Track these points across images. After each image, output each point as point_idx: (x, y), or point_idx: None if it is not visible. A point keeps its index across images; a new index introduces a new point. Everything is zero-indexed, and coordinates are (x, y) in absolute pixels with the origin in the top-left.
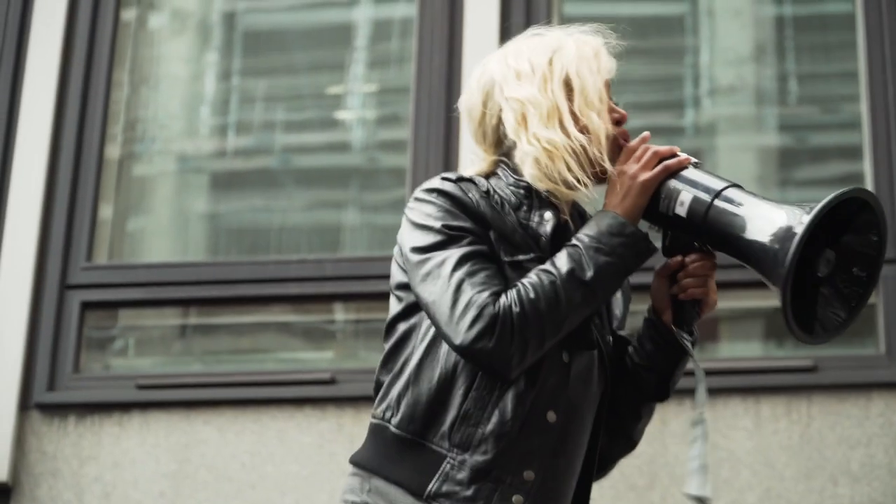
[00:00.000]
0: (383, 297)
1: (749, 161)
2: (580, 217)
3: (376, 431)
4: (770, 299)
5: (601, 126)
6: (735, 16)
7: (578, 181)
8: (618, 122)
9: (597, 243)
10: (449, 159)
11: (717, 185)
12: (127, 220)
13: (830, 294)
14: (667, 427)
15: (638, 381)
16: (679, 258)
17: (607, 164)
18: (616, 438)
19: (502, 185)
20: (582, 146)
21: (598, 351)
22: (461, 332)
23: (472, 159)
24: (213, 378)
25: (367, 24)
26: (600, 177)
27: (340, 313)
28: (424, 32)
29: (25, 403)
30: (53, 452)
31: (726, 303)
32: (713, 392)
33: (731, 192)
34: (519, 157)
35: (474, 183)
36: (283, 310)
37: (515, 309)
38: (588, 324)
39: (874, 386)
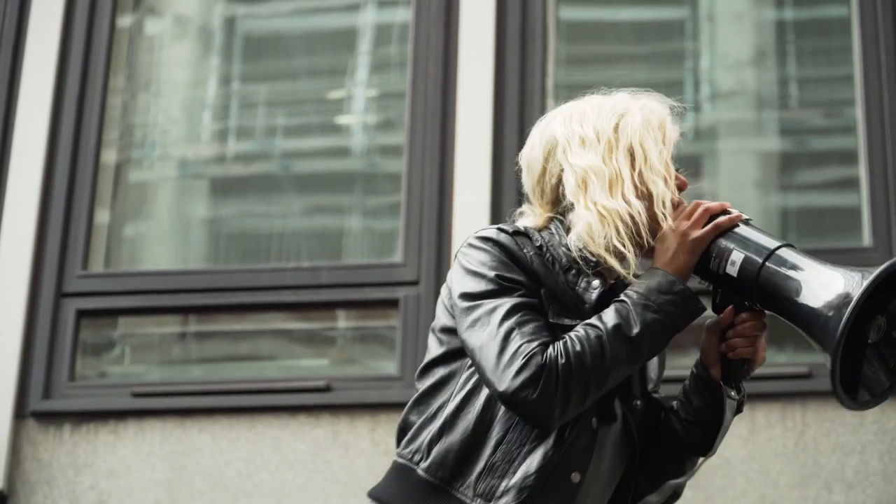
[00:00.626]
0: (379, 304)
1: (749, 165)
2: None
3: (402, 471)
4: None
5: (666, 192)
6: (735, 20)
7: (624, 247)
8: (679, 189)
9: (645, 300)
10: (444, 165)
11: (769, 244)
12: (124, 227)
13: (874, 357)
14: None
15: (683, 437)
16: (730, 313)
17: (665, 224)
18: (665, 493)
19: (555, 243)
20: (638, 213)
21: (623, 418)
22: (506, 381)
23: (525, 212)
24: (208, 386)
25: (368, 29)
26: (648, 247)
27: (336, 321)
28: (420, 38)
29: (21, 411)
30: (49, 460)
31: None
32: None
33: (784, 252)
34: (573, 218)
35: (529, 237)
36: (278, 317)
37: (561, 361)
38: (612, 396)
39: None
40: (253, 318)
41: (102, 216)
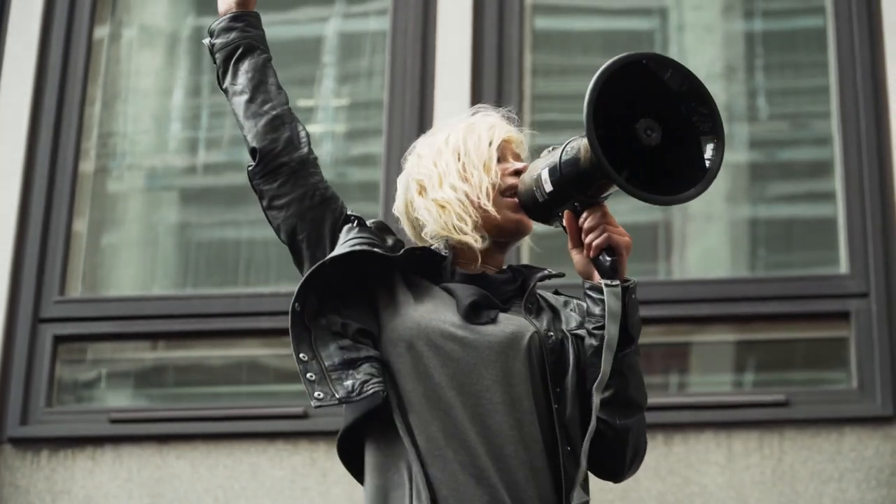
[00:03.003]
0: None
1: (719, 177)
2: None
3: None
4: (743, 333)
5: (484, 176)
6: (705, 32)
7: (466, 227)
8: (517, 173)
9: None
10: None
11: (555, 147)
12: (100, 238)
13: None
14: None
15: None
16: (570, 218)
17: (490, 208)
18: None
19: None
20: (465, 194)
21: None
22: None
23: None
24: (186, 412)
25: (337, 39)
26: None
27: None
28: (397, 47)
29: None
30: (26, 487)
31: (697, 336)
32: (685, 427)
33: (570, 142)
34: (422, 221)
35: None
36: (256, 343)
37: None
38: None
39: (846, 421)
40: (230, 344)
41: (80, 224)
